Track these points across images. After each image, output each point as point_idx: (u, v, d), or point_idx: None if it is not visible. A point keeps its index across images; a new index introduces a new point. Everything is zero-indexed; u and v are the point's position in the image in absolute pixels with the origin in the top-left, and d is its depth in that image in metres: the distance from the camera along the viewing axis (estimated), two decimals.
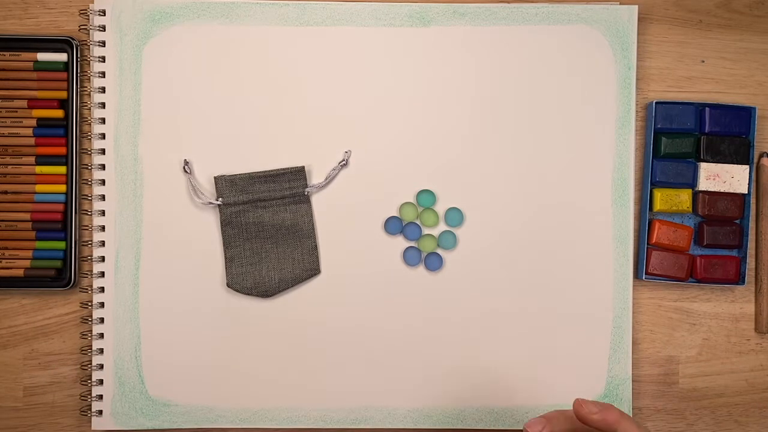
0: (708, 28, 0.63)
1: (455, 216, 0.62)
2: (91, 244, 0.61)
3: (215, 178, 0.61)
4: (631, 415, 0.61)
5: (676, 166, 0.61)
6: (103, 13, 0.61)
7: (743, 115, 0.61)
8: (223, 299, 0.61)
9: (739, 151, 0.61)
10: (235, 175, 0.61)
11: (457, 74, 0.62)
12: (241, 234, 0.61)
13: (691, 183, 0.62)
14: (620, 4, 0.62)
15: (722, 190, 0.61)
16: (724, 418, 0.63)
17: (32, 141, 0.61)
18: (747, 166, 0.61)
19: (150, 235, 0.61)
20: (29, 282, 0.61)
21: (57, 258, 0.61)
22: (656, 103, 0.61)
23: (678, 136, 0.61)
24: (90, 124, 0.61)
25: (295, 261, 0.61)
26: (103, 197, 0.61)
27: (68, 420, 0.62)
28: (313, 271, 0.61)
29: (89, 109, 0.61)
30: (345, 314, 0.61)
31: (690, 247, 0.62)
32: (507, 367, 0.62)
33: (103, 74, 0.61)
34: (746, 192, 0.61)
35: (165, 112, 0.61)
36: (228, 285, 0.61)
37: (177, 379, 0.61)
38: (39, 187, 0.61)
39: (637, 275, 0.62)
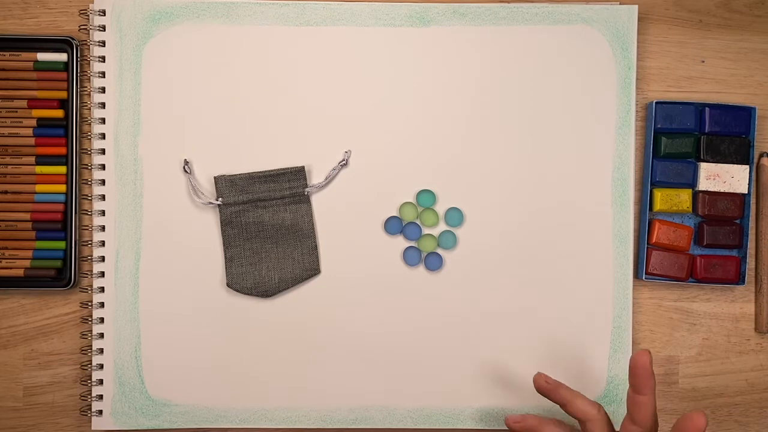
0: (708, 28, 0.63)
1: (455, 216, 0.62)
2: (91, 244, 0.61)
3: (215, 178, 0.61)
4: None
5: (676, 166, 0.61)
6: (103, 13, 0.61)
7: (743, 115, 0.61)
8: (223, 299, 0.61)
9: (739, 151, 0.61)
10: (235, 175, 0.61)
11: (456, 74, 0.62)
12: (241, 234, 0.61)
13: (691, 183, 0.62)
14: (620, 3, 0.62)
15: (722, 190, 0.61)
16: (724, 418, 0.63)
17: (32, 141, 0.61)
18: (747, 166, 0.61)
19: (150, 235, 0.61)
20: (29, 282, 0.61)
21: (57, 258, 0.61)
22: (656, 103, 0.61)
23: (678, 136, 0.61)
24: (90, 124, 0.61)
25: (295, 261, 0.61)
26: (103, 197, 0.61)
27: (68, 420, 0.62)
28: (313, 271, 0.61)
29: (89, 109, 0.61)
30: (345, 314, 0.61)
31: (690, 247, 0.62)
32: (507, 367, 0.62)
33: (103, 74, 0.61)
34: (746, 192, 0.61)
35: (165, 112, 0.61)
36: (228, 285, 0.61)
37: (177, 379, 0.61)
38: (39, 187, 0.61)
39: (637, 275, 0.62)
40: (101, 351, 0.61)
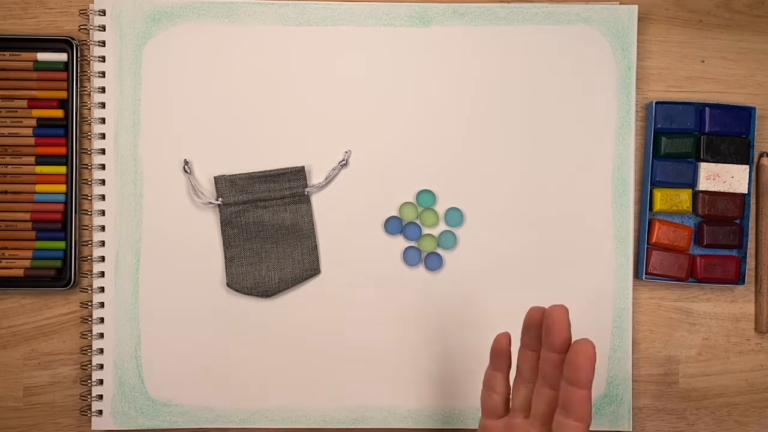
0: (708, 28, 0.63)
1: (455, 216, 0.62)
2: (91, 244, 0.61)
3: (215, 178, 0.61)
4: (630, 416, 0.61)
5: (676, 166, 0.61)
6: (103, 13, 0.61)
7: (743, 115, 0.61)
8: (223, 299, 0.61)
9: (739, 151, 0.61)
10: (235, 175, 0.61)
11: (456, 74, 0.62)
12: (241, 234, 0.61)
13: (691, 183, 0.62)
14: (620, 3, 0.62)
15: (722, 190, 0.61)
16: (724, 418, 0.63)
17: (32, 141, 0.61)
18: (747, 166, 0.61)
19: (150, 235, 0.61)
20: (29, 282, 0.61)
21: (57, 258, 0.61)
22: (656, 103, 0.61)
23: (678, 136, 0.61)
24: (90, 124, 0.61)
25: (295, 261, 0.61)
26: (103, 197, 0.61)
27: (68, 420, 0.62)
28: (313, 271, 0.61)
29: (89, 109, 0.61)
30: (345, 314, 0.61)
31: (690, 247, 0.62)
32: None
33: (103, 74, 0.61)
34: (746, 192, 0.61)
35: (165, 112, 0.61)
36: (228, 285, 0.61)
37: (177, 379, 0.61)
38: (39, 187, 0.61)
39: (637, 275, 0.62)
40: (101, 351, 0.61)
